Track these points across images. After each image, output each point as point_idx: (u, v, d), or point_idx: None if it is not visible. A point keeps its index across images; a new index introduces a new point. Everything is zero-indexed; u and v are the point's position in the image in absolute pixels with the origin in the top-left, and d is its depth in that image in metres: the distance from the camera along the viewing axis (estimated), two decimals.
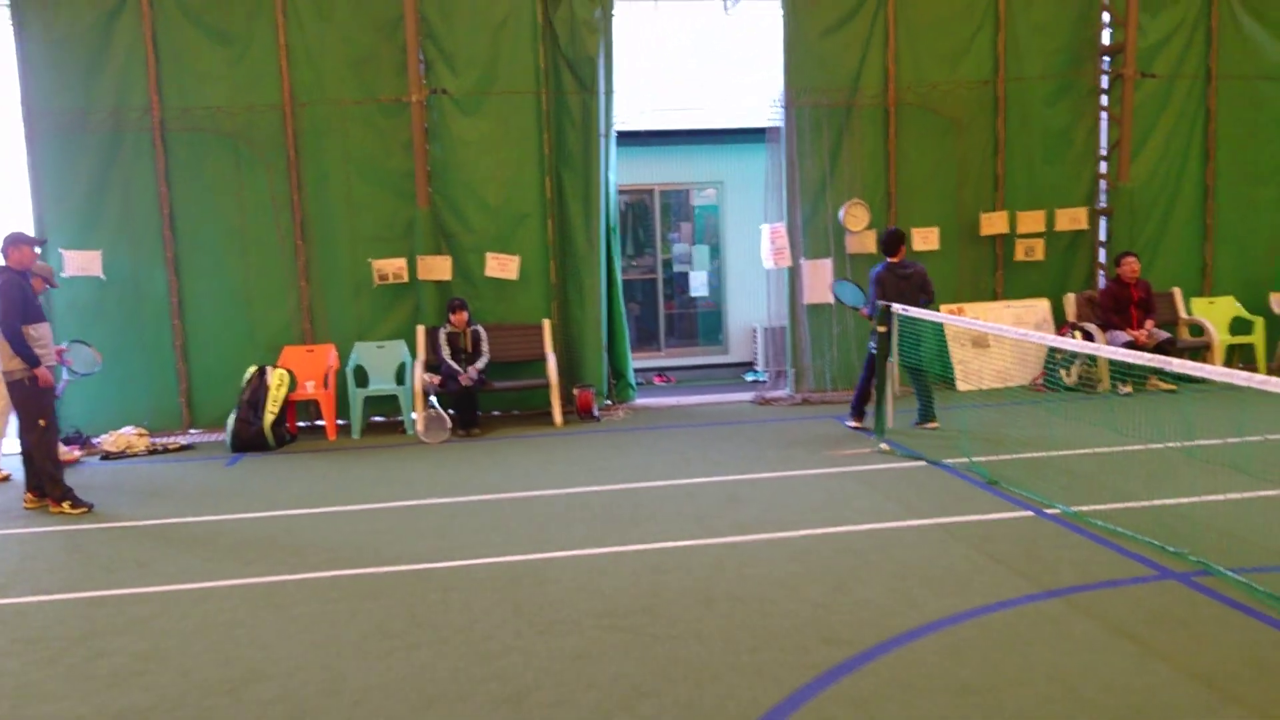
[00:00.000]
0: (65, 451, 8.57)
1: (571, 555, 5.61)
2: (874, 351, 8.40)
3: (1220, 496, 6.00)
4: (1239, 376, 4.59)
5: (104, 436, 9.33)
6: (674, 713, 3.64)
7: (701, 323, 13.80)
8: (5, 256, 7.03)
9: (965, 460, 7.32)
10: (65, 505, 7.00)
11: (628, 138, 11.22)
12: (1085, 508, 6.00)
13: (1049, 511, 6.03)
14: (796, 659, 4.07)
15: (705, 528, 6.04)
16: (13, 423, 7.95)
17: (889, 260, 8.69)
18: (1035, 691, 3.69)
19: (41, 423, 6.99)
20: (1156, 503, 6.08)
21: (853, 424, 8.97)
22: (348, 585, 5.26)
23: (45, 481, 7.04)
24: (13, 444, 8.24)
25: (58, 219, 9.70)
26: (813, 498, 6.65)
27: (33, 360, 6.90)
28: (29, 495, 7.25)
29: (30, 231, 9.56)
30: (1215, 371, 4.80)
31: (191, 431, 10.02)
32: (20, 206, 9.96)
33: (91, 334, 9.39)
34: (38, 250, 7.26)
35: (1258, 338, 10.96)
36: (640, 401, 10.94)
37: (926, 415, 8.71)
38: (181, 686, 4.07)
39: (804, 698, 3.72)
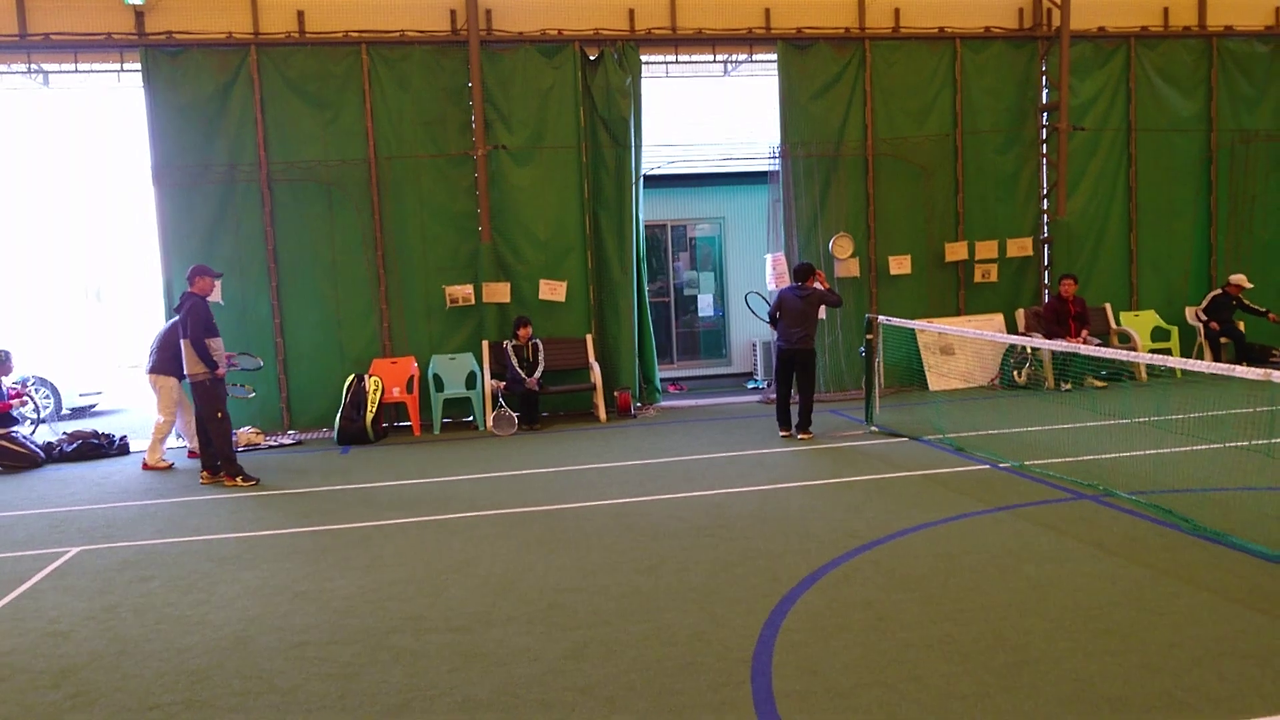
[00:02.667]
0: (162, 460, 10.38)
1: (653, 499, 7.62)
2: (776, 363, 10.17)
3: (1127, 454, 8.16)
4: (1200, 365, 6.74)
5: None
6: (760, 575, 5.65)
7: (707, 339, 15.88)
8: (191, 284, 8.99)
9: (938, 436, 9.43)
10: (239, 479, 8.89)
11: (645, 181, 13.30)
12: (1028, 461, 8.12)
13: (1001, 465, 8.13)
14: (834, 544, 6.11)
15: (746, 480, 8.08)
16: (178, 419, 9.97)
17: (796, 285, 10.02)
18: (990, 555, 5.76)
19: (219, 415, 8.90)
20: (1081, 458, 8.21)
21: (783, 433, 10.16)
22: (497, 520, 7.23)
23: (222, 461, 8.94)
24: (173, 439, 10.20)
25: (180, 256, 11.55)
26: (822, 463, 8.72)
27: (213, 365, 8.83)
28: (204, 473, 9.13)
29: (159, 267, 11.53)
30: (1179, 361, 6.95)
31: (290, 432, 11.87)
32: (149, 245, 11.86)
33: None
34: (217, 281, 9.20)
35: (1174, 344, 13.24)
36: (664, 404, 12.96)
37: (809, 421, 10.04)
38: (420, 570, 6.02)
39: (843, 559, 5.78)
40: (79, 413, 14.44)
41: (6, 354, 10.52)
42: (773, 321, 10.26)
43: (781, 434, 10.17)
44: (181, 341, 8.93)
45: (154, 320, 17.05)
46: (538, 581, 5.71)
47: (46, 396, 13.48)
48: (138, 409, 14.74)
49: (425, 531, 6.98)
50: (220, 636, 5.04)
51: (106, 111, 15.58)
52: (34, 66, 11.82)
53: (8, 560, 6.73)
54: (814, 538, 6.31)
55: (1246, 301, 13.10)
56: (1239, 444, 8.14)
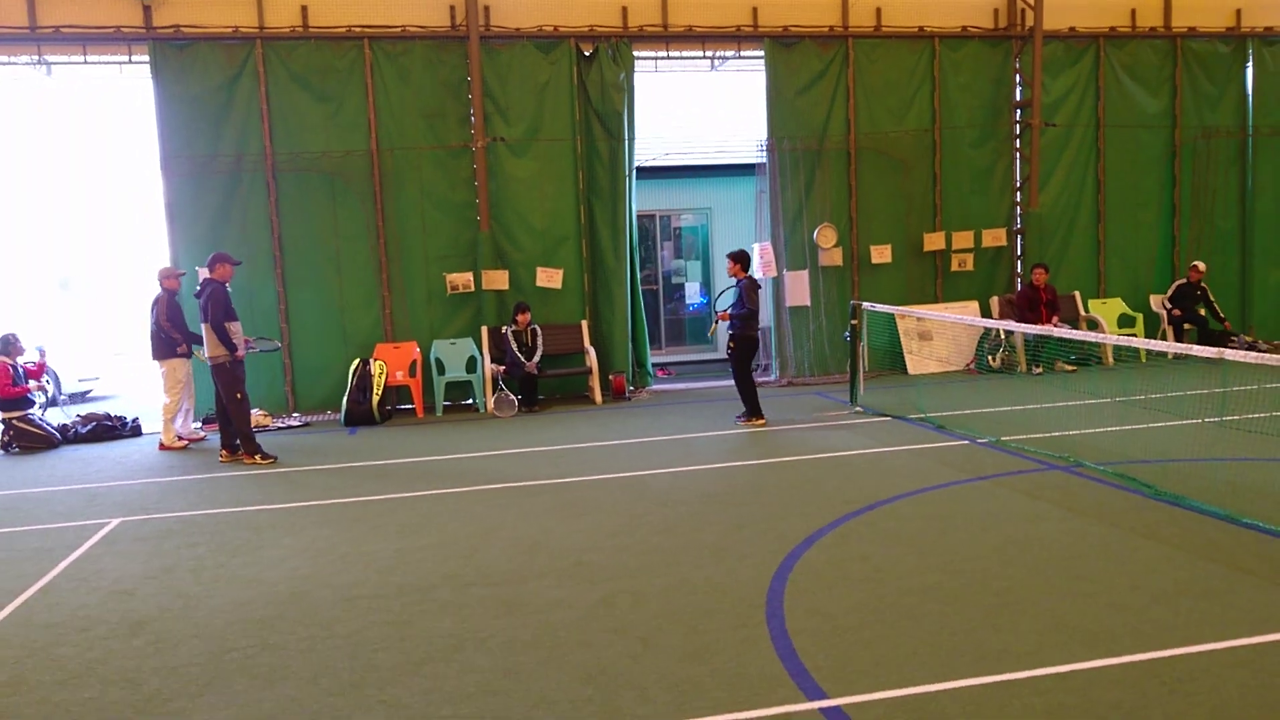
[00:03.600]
0: (194, 431, 10.83)
1: (658, 472, 8.14)
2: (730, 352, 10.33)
3: (1095, 430, 8.79)
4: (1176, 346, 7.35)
5: None
6: (769, 535, 6.19)
7: (694, 325, 16.41)
8: (211, 270, 9.39)
9: (921, 415, 10.02)
10: (257, 457, 9.31)
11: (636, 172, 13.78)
12: (1005, 437, 8.73)
13: (980, 440, 8.73)
14: (830, 509, 6.67)
15: (742, 456, 8.63)
16: (186, 400, 10.41)
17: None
18: (973, 518, 6.34)
19: (239, 395, 9.32)
20: (1053, 434, 8.81)
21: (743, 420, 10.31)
22: (512, 492, 7.72)
23: (241, 439, 9.36)
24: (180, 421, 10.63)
25: (187, 244, 11.91)
26: (814, 440, 9.28)
27: (232, 348, 9.24)
28: (223, 452, 9.55)
29: (166, 254, 11.89)
30: (1145, 342, 7.56)
31: (295, 414, 12.26)
32: (156, 233, 12.22)
33: None
34: (233, 268, 9.60)
35: (1139, 330, 13.95)
36: (655, 387, 13.47)
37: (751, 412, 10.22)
38: (449, 535, 6.51)
39: (840, 522, 6.33)
40: (75, 398, 14.72)
41: (14, 336, 10.84)
42: (751, 315, 10.15)
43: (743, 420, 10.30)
44: (202, 325, 9.33)
45: (126, 309, 17.25)
46: (561, 543, 6.22)
47: (48, 380, 13.75)
48: (131, 395, 15.04)
49: (447, 502, 7.46)
50: (276, 592, 5.51)
51: (106, 103, 15.79)
52: (41, 58, 12.08)
53: (53, 530, 7.13)
54: (812, 504, 6.86)
55: (1212, 298, 13.78)
56: (1195, 421, 8.80)
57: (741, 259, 10.28)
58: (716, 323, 10.71)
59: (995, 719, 3.65)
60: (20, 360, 10.92)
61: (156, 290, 10.60)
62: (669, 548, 6.01)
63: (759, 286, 10.54)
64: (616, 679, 4.16)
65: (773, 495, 7.18)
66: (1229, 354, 6.03)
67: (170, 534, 6.86)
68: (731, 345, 10.32)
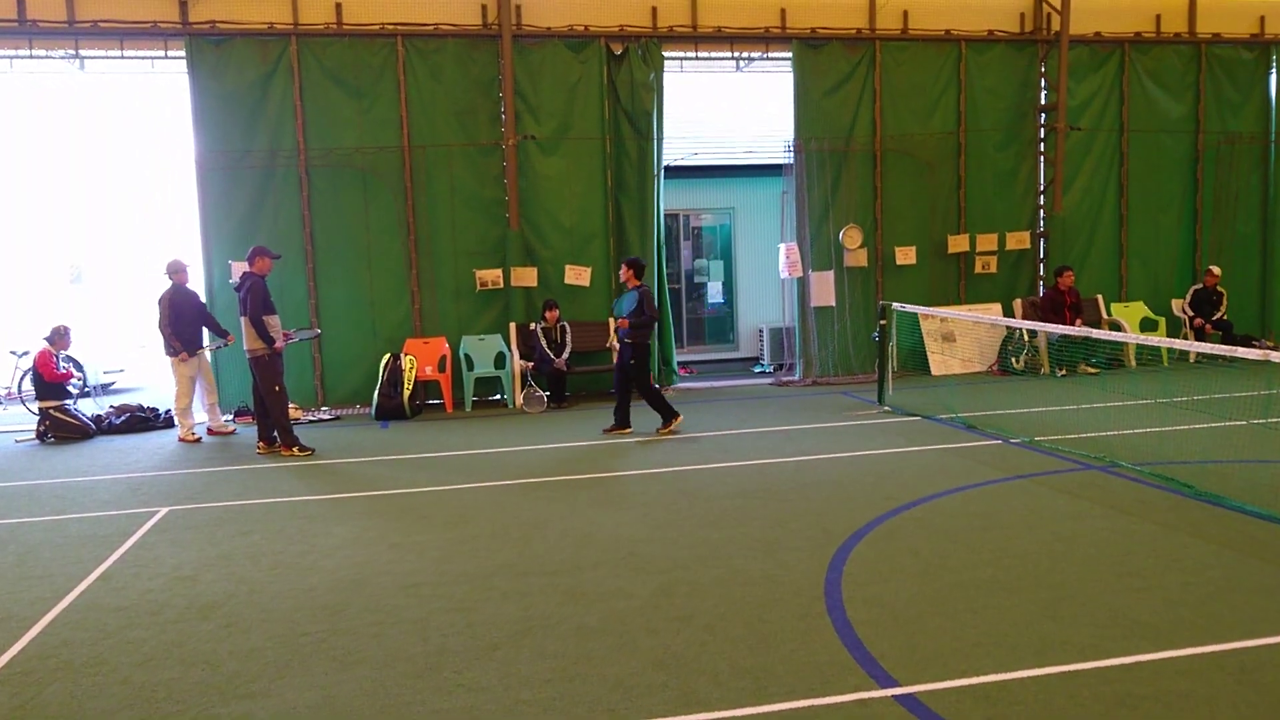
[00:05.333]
0: (222, 425, 10.93)
1: (697, 468, 8.23)
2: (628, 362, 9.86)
3: (1127, 431, 8.87)
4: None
5: None
6: (813, 529, 6.28)
7: (716, 324, 16.50)
8: (250, 264, 9.49)
9: (950, 415, 10.10)
10: (295, 449, 9.41)
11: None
12: (1038, 438, 8.81)
13: (1013, 441, 8.81)
14: (872, 506, 6.76)
15: (778, 453, 8.72)
16: (200, 391, 10.57)
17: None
18: (1016, 515, 6.43)
19: (277, 388, 9.42)
20: (1085, 435, 8.90)
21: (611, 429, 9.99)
22: (556, 485, 7.82)
23: (280, 431, 9.46)
24: (201, 415, 10.75)
25: (220, 238, 12.02)
26: (846, 438, 9.37)
27: (270, 341, 9.34)
28: (261, 444, 9.64)
29: (198, 248, 12.00)
30: (1188, 344, 7.64)
31: (324, 408, 12.36)
32: (189, 226, 12.32)
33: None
34: (272, 261, 9.69)
35: (1161, 334, 14.02)
36: (680, 385, 13.56)
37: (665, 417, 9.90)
38: (499, 526, 6.60)
39: (884, 518, 6.42)
40: (98, 390, 14.82)
41: (66, 329, 10.97)
42: (651, 323, 9.95)
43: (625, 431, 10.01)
44: (241, 319, 9.43)
45: (138, 303, 17.37)
46: (612, 534, 6.31)
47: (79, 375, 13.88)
48: (153, 386, 15.14)
49: (492, 495, 7.56)
50: (338, 579, 5.61)
51: (134, 99, 15.89)
52: (77, 52, 12.18)
53: (104, 518, 7.24)
54: (853, 500, 6.95)
55: (1223, 308, 13.84)
56: (1227, 422, 8.88)
57: (635, 266, 9.95)
58: (618, 330, 10.25)
59: (1068, 707, 3.74)
60: (63, 353, 11.06)
61: (165, 285, 10.61)
62: (716, 540, 6.10)
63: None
64: (688, 665, 4.26)
65: (812, 491, 7.27)
66: (1276, 356, 6.11)
67: (221, 522, 6.96)
68: (631, 356, 9.86)
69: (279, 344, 9.46)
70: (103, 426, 11.11)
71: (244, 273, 9.65)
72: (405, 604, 5.16)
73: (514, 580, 5.48)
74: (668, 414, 10.03)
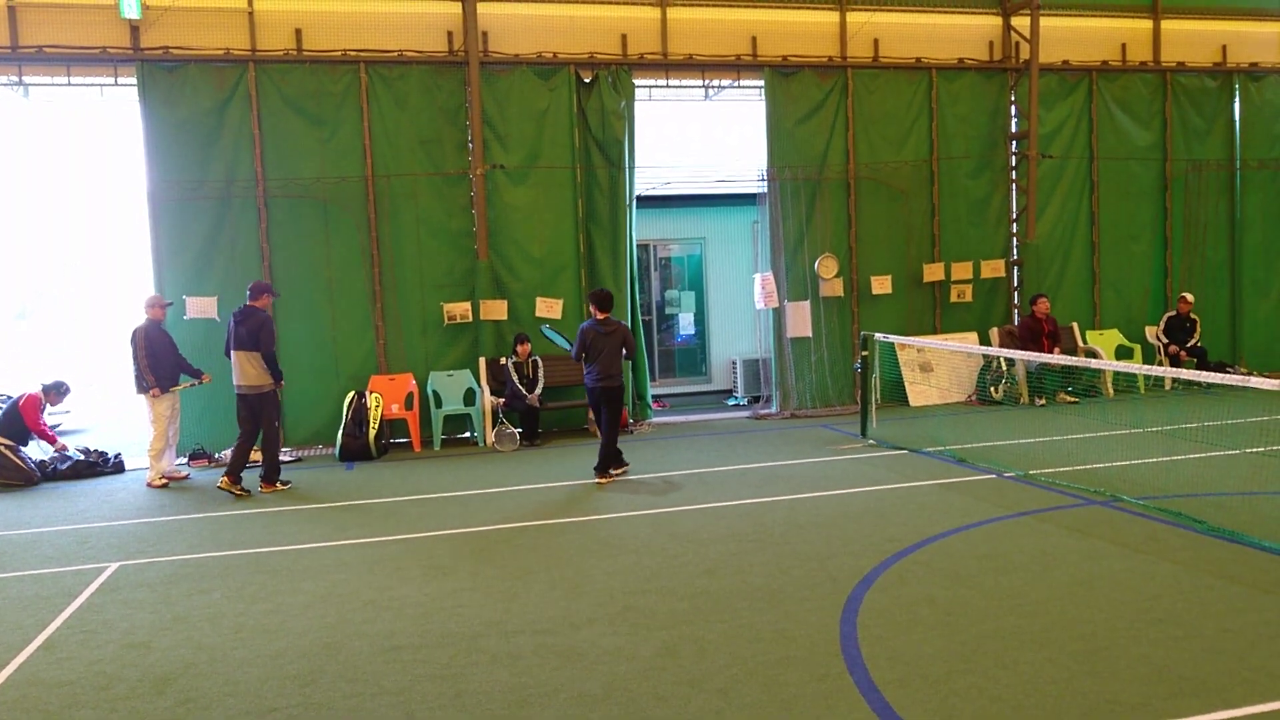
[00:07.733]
0: (174, 470, 10.33)
1: (684, 509, 7.84)
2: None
3: (1124, 462, 8.65)
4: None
5: (225, 451, 11.05)
6: (817, 576, 5.92)
7: (687, 356, 16.17)
8: (256, 298, 9.33)
9: (939, 448, 9.83)
10: (277, 485, 9.24)
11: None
12: (1031, 471, 8.55)
13: (1007, 474, 8.55)
14: (876, 548, 6.42)
15: (767, 491, 8.36)
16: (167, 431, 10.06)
17: (596, 317, 9.12)
18: (1029, 557, 6.12)
19: (276, 424, 9.19)
20: (1081, 467, 8.66)
21: (224, 484, 9.12)
22: (537, 530, 7.38)
23: (268, 469, 9.31)
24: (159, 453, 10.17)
25: (174, 271, 11.46)
26: (833, 473, 9.04)
27: (278, 376, 9.15)
28: (225, 479, 9.15)
29: (150, 281, 11.45)
30: (1195, 374, 7.42)
31: (285, 449, 11.77)
32: (125, 261, 11.76)
33: (205, 367, 11.00)
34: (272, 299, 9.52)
35: (1136, 361, 13.93)
36: (656, 420, 13.18)
37: (610, 463, 9.14)
38: (481, 578, 6.15)
39: (891, 561, 6.08)
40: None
41: (67, 387, 10.85)
42: (579, 359, 9.34)
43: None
44: (243, 354, 9.19)
45: (86, 339, 16.62)
46: (603, 585, 5.89)
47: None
48: (100, 427, 14.45)
49: (470, 542, 7.10)
50: (308, 643, 5.12)
51: (81, 127, 15.31)
52: (20, 79, 11.62)
53: (47, 576, 6.66)
54: (855, 542, 6.60)
55: (1197, 334, 13.83)
56: (1220, 452, 8.70)
57: (598, 299, 9.23)
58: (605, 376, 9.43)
59: None
60: (50, 407, 10.77)
61: (139, 320, 10.15)
62: (716, 591, 5.71)
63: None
64: None
65: (810, 534, 6.91)
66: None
67: (177, 579, 6.43)
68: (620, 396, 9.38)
69: (282, 380, 9.46)
70: (47, 473, 10.44)
71: (247, 307, 9.32)
72: (384, 671, 4.70)
73: (503, 640, 5.04)
74: (619, 461, 9.41)
